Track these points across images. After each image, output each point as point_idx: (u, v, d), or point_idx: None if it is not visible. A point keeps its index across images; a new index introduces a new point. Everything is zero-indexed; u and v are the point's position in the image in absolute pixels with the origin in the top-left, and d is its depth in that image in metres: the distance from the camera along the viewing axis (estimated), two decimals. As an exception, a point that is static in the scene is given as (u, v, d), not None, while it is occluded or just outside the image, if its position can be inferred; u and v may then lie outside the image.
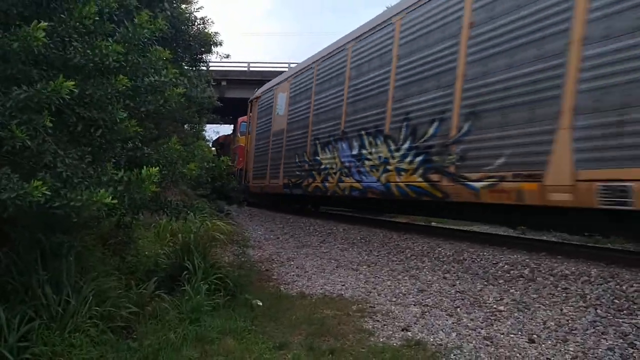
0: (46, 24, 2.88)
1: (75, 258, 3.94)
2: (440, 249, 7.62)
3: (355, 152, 11.00)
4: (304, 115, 14.18)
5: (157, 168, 3.41)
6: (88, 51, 3.40)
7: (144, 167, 3.38)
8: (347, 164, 11.34)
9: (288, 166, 14.95)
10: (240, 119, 24.60)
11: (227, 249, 7.83)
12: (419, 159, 8.69)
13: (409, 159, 8.97)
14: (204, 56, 11.24)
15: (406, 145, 9.10)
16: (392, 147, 9.54)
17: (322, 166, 12.65)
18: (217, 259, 5.74)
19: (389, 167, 9.55)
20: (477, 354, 3.77)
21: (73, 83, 2.89)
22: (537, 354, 3.75)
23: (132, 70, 3.89)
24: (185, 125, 15.17)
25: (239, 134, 24.60)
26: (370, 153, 10.34)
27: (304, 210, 16.53)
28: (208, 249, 5.74)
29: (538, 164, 6.28)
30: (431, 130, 8.43)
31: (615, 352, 3.63)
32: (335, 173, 11.94)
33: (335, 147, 12.01)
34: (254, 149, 18.62)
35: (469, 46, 7.72)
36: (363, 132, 10.76)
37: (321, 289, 6.02)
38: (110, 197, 2.94)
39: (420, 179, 8.56)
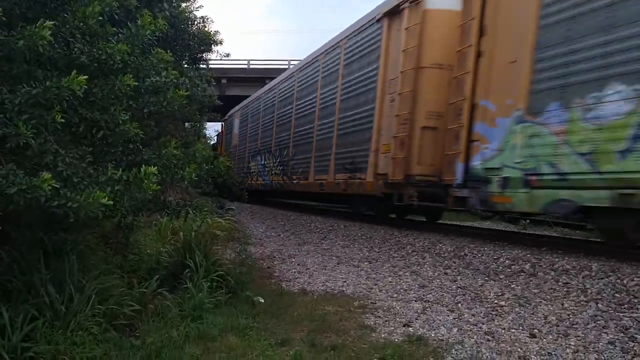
0: (51, 23, 2.89)
1: (78, 257, 3.96)
2: (441, 244, 7.64)
3: (262, 162, 19.75)
4: (243, 136, 23.53)
5: (156, 168, 3.44)
6: (94, 50, 3.41)
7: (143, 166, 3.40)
8: (260, 169, 20.17)
9: (239, 169, 22.45)
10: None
11: (228, 246, 7.85)
12: (280, 167, 17.44)
13: (278, 167, 17.63)
14: (204, 55, 11.25)
15: (278, 160, 17.73)
16: (273, 160, 18.25)
17: (251, 170, 21.52)
18: (218, 257, 5.76)
19: (272, 172, 18.32)
20: (479, 349, 3.78)
21: (85, 77, 2.91)
22: (538, 348, 3.76)
23: (134, 71, 3.91)
24: (185, 124, 15.20)
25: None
26: (267, 163, 18.99)
27: (303, 207, 16.61)
28: (209, 247, 5.76)
29: (323, 171, 13.53)
30: (285, 152, 17.06)
31: (616, 346, 3.64)
32: (255, 175, 20.81)
33: (255, 158, 20.94)
34: (225, 154, 26.01)
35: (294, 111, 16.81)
36: (265, 150, 19.51)
37: (322, 285, 6.04)
38: (107, 198, 2.95)
39: (280, 179, 17.39)
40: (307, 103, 15.49)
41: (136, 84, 3.62)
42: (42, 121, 2.77)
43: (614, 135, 5.52)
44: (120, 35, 3.80)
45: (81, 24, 3.25)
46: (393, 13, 10.32)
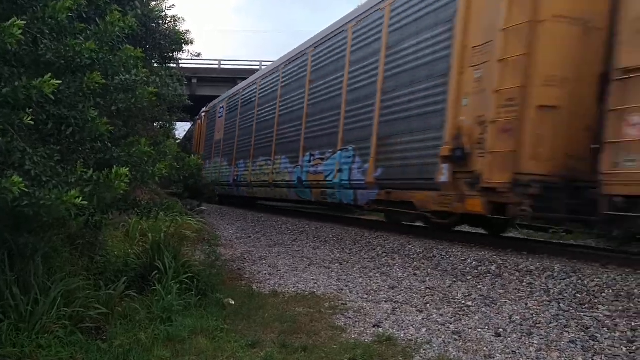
0: (23, 22, 2.83)
1: (43, 259, 3.88)
2: (410, 246, 7.74)
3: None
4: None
5: (128, 169, 3.40)
6: (61, 47, 3.35)
7: (114, 167, 3.36)
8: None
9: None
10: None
11: (197, 248, 7.78)
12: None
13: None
14: (174, 54, 11.13)
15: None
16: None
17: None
18: (188, 258, 5.71)
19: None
20: (446, 349, 3.86)
21: (56, 81, 2.86)
22: (503, 347, 3.86)
23: (102, 68, 3.85)
24: (154, 123, 14.98)
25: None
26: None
27: (274, 209, 16.57)
28: (179, 249, 5.71)
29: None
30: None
31: (577, 345, 3.77)
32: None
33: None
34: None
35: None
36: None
37: (293, 287, 6.05)
38: (80, 198, 2.91)
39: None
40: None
41: (104, 82, 3.57)
42: (9, 120, 2.71)
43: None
44: (88, 32, 3.75)
45: (50, 19, 3.19)
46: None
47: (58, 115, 3.38)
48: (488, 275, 5.83)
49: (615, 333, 3.85)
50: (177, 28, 9.96)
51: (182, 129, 32.77)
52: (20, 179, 2.56)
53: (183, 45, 10.52)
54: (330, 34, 11.97)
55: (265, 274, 6.88)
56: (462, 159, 7.16)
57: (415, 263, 6.90)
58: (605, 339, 3.79)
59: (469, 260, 6.44)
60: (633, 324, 3.94)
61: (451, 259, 6.71)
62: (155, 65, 9.79)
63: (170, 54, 10.93)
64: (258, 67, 31.18)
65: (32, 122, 2.84)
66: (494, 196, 6.73)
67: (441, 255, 6.97)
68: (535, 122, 6.48)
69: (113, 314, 4.17)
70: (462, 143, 7.19)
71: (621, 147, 5.59)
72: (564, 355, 3.61)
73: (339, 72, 11.16)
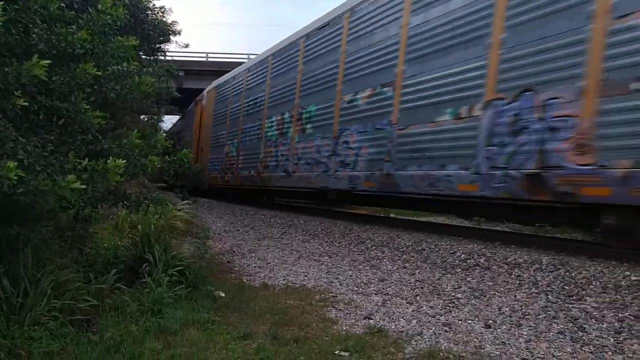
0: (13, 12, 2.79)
1: (32, 251, 3.84)
2: (399, 239, 7.78)
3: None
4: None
5: (124, 161, 3.38)
6: (52, 37, 3.30)
7: (108, 157, 3.34)
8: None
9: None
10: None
11: (187, 240, 7.75)
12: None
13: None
14: (162, 46, 11.04)
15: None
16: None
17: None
18: (178, 251, 5.69)
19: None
20: (437, 340, 3.90)
21: (48, 62, 2.82)
22: (493, 338, 3.90)
23: (96, 58, 3.81)
24: (142, 116, 14.84)
25: None
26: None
27: (263, 202, 16.54)
28: (169, 241, 5.68)
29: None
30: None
31: (566, 336, 3.82)
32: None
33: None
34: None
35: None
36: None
37: (284, 279, 6.06)
38: (79, 182, 2.89)
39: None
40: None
41: (99, 73, 3.54)
42: (1, 107, 2.67)
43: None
44: (80, 20, 3.70)
45: (41, 9, 3.15)
46: None
47: (50, 106, 3.34)
48: (477, 267, 5.88)
49: (603, 324, 3.92)
50: (164, 19, 9.89)
51: (169, 121, 32.50)
52: (15, 164, 2.52)
53: (171, 36, 10.45)
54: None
55: (255, 266, 6.88)
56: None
57: (405, 256, 6.93)
58: (593, 329, 3.85)
59: (457, 253, 6.49)
60: (620, 315, 4.01)
61: (440, 251, 6.76)
62: (144, 56, 9.70)
63: (159, 45, 10.85)
64: (246, 60, 30.98)
65: (26, 104, 2.79)
66: None
67: (430, 248, 7.02)
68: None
69: (103, 306, 4.14)
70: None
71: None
72: (553, 346, 3.66)
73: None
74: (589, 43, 5.61)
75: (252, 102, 16.04)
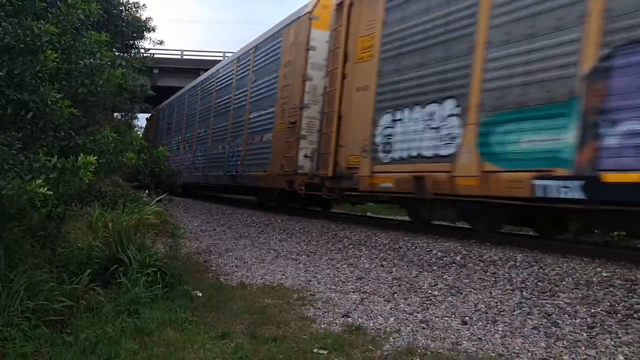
0: None
1: (4, 251, 3.74)
2: (377, 237, 7.82)
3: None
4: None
5: (95, 157, 3.31)
6: (19, 31, 3.23)
7: (80, 155, 3.27)
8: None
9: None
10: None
11: (162, 240, 7.66)
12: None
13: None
14: (136, 42, 10.87)
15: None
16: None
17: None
18: (153, 250, 5.62)
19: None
20: (415, 337, 3.93)
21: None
22: (469, 334, 3.95)
23: (65, 52, 3.73)
24: (115, 114, 14.61)
25: None
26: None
27: (239, 202, 16.44)
28: (143, 240, 5.61)
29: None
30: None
31: (540, 331, 3.89)
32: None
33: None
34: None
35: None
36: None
37: (261, 278, 6.03)
38: (46, 188, 2.82)
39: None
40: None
41: (65, 66, 3.47)
42: None
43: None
44: (50, 14, 3.63)
45: (6, 1, 3.07)
46: None
47: (18, 99, 3.26)
48: (453, 265, 5.95)
49: (576, 319, 4.00)
50: (138, 15, 9.74)
51: (143, 119, 32.04)
52: None
53: (145, 32, 10.30)
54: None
55: (232, 266, 6.84)
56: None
57: (382, 254, 6.97)
58: (566, 325, 3.93)
59: (434, 251, 6.55)
60: (592, 310, 4.10)
61: (417, 249, 6.82)
62: (117, 53, 9.54)
63: (132, 42, 10.67)
64: (221, 58, 30.75)
65: None
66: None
67: (407, 246, 7.07)
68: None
69: (78, 307, 4.07)
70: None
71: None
72: (528, 341, 3.73)
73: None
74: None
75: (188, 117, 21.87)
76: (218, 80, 17.88)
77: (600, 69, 5.31)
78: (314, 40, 11.19)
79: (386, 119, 8.44)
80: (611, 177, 5.15)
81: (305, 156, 11.26)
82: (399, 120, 8.17)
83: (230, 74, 16.61)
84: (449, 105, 7.22)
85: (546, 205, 6.13)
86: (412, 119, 7.89)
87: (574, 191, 5.47)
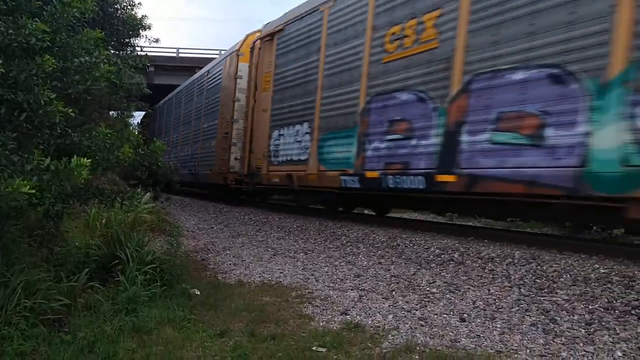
0: None
1: (1, 250, 3.73)
2: (374, 235, 7.82)
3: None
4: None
5: (89, 157, 3.30)
6: (11, 31, 3.21)
7: (74, 156, 3.26)
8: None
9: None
10: None
11: (160, 238, 7.64)
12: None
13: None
14: (131, 40, 10.81)
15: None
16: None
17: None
18: (151, 249, 5.60)
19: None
20: (413, 334, 3.93)
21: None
22: (468, 331, 3.96)
23: (61, 50, 3.71)
24: (111, 112, 14.53)
25: None
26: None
27: (237, 201, 16.45)
28: (141, 239, 5.59)
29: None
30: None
31: (538, 328, 3.90)
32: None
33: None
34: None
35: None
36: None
37: (259, 276, 6.03)
38: (29, 187, 2.80)
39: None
40: None
41: (61, 64, 3.45)
42: None
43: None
44: (45, 13, 3.61)
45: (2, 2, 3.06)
46: None
47: (11, 99, 3.24)
48: (451, 262, 5.96)
49: (574, 316, 4.01)
50: (134, 13, 9.69)
51: (139, 117, 31.94)
52: None
53: (141, 30, 10.25)
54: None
55: (230, 264, 6.83)
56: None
57: (380, 252, 6.98)
58: (564, 321, 3.94)
59: (432, 249, 6.56)
60: (590, 307, 4.11)
61: (415, 247, 6.82)
62: (112, 51, 9.50)
63: (128, 40, 10.62)
64: (217, 55, 30.67)
65: None
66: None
67: (405, 243, 7.07)
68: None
69: (76, 306, 4.05)
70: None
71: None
72: (526, 338, 3.74)
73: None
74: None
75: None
76: (186, 93, 21.85)
77: (365, 109, 8.74)
78: (241, 71, 14.81)
79: (276, 133, 11.96)
80: (368, 174, 8.46)
81: (236, 159, 14.70)
82: (282, 135, 11.69)
83: (192, 89, 20.69)
84: (305, 126, 10.67)
85: (347, 192, 9.41)
86: (288, 134, 11.40)
87: (356, 183, 8.79)
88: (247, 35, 15.04)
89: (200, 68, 22.94)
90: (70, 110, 3.59)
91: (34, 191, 2.88)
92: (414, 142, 7.61)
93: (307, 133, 10.54)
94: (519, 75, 6.05)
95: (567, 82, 5.53)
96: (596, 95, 5.24)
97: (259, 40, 13.37)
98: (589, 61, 5.32)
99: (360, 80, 8.91)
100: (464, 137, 6.72)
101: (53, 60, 3.39)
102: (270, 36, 12.45)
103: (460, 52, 6.91)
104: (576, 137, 5.39)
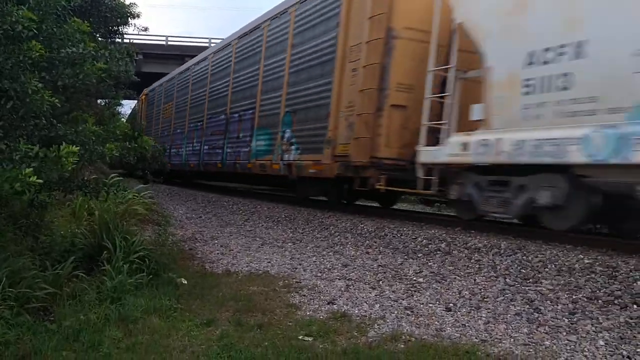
0: None
1: (-15, 238, 3.69)
2: (362, 225, 7.84)
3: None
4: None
5: (77, 147, 3.27)
6: None
7: (62, 143, 3.23)
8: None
9: None
10: None
11: (147, 228, 7.61)
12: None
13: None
14: (120, 28, 10.67)
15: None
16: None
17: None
18: (138, 238, 5.58)
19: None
20: (399, 323, 3.96)
21: None
22: (453, 321, 4.00)
23: (46, 40, 3.66)
24: (99, 100, 14.38)
25: None
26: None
27: (225, 190, 16.42)
28: (128, 227, 5.57)
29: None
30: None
31: (522, 317, 3.95)
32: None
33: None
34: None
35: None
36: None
37: (247, 266, 6.03)
38: (35, 177, 2.78)
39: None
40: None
41: (44, 52, 3.40)
42: None
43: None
44: (31, 0, 3.56)
45: None
46: None
47: None
48: (438, 252, 5.99)
49: (557, 305, 4.06)
50: (122, 1, 9.57)
51: (127, 106, 31.67)
52: None
53: (129, 18, 10.12)
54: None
55: (218, 253, 6.82)
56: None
57: (368, 242, 7.00)
58: (548, 311, 3.98)
59: (419, 239, 6.59)
60: (574, 296, 4.16)
61: (402, 237, 6.85)
62: (101, 39, 9.38)
63: (116, 28, 10.49)
64: (207, 45, 30.48)
65: None
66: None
67: (392, 233, 7.10)
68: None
69: (61, 295, 4.03)
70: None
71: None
72: (511, 327, 3.78)
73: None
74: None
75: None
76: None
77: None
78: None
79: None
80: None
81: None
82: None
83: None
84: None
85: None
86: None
87: None
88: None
89: (190, 57, 22.21)
90: (57, 100, 3.55)
91: (41, 180, 2.86)
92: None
93: None
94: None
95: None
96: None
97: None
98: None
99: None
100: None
101: (40, 46, 3.34)
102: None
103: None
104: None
